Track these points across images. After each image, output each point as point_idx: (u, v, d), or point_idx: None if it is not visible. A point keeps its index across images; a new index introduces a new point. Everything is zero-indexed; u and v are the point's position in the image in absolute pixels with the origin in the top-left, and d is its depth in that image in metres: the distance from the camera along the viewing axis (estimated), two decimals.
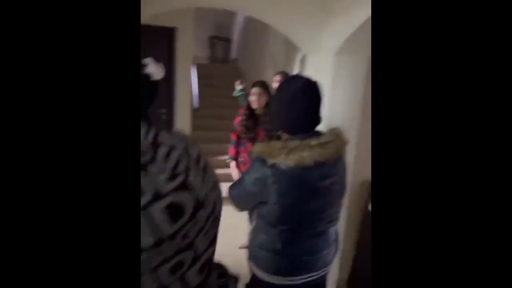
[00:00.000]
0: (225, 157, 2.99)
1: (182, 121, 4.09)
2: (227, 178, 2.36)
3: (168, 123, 4.07)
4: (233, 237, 2.78)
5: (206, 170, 0.55)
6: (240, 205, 1.27)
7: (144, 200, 0.41)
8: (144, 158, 0.43)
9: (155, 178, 0.43)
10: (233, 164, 2.55)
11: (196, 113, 4.75)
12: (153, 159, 0.44)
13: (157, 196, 0.43)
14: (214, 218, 0.56)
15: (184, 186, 0.47)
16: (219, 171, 4.34)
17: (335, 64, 1.91)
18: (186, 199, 0.46)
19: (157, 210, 0.42)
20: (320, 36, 1.98)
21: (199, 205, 0.49)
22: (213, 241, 0.59)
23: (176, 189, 0.45)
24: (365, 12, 1.58)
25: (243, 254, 1.31)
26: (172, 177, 0.45)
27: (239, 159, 2.52)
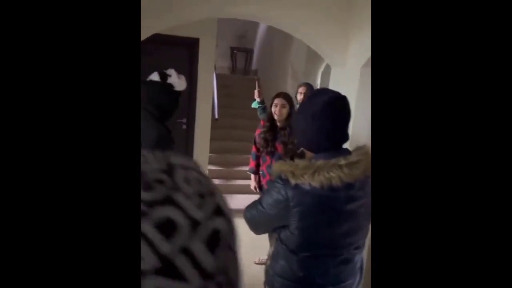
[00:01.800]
0: (245, 168, 2.96)
1: (202, 131, 4.09)
2: (246, 189, 2.30)
3: (188, 133, 4.08)
4: (250, 252, 2.70)
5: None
6: (257, 229, 1.18)
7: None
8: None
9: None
10: (252, 177, 2.51)
11: (216, 123, 4.75)
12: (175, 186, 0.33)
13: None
14: None
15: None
16: (238, 182, 4.30)
17: (361, 77, 1.85)
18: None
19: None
20: (346, 48, 1.93)
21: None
22: None
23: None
24: None
25: (259, 269, 1.23)
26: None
27: (260, 172, 2.47)
